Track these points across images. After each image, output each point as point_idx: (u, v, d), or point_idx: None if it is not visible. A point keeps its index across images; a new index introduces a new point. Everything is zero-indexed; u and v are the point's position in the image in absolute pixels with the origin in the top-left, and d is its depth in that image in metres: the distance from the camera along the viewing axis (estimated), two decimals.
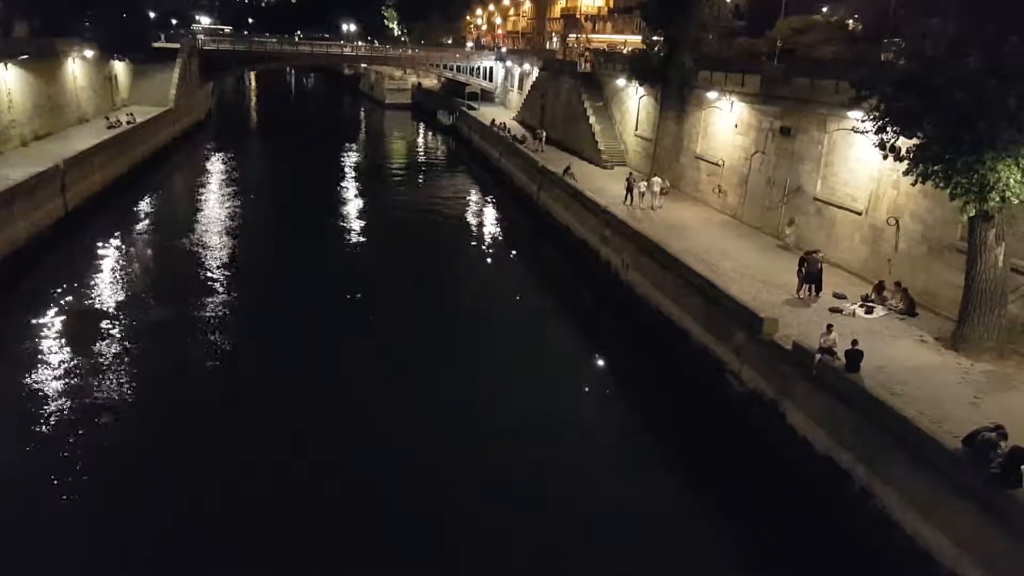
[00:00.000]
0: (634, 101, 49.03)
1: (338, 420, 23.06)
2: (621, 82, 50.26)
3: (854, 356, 19.03)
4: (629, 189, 39.11)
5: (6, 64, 44.40)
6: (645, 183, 39.95)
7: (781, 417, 21.21)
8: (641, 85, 46.03)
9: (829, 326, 20.63)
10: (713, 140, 39.33)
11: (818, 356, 19.89)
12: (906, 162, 20.96)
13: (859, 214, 28.44)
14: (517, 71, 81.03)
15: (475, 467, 20.96)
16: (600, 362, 29.57)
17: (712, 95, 38.35)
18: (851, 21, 46.06)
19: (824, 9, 52.02)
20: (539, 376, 27.04)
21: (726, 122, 37.79)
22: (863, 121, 24.25)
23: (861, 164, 28.28)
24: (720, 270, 27.45)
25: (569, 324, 33.05)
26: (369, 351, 28.15)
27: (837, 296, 25.53)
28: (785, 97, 33.08)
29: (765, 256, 30.65)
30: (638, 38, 51.95)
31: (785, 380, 21.31)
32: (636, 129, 48.91)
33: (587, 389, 27.14)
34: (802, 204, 31.82)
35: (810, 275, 25.60)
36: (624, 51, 59.24)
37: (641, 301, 31.12)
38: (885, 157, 22.03)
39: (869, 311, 24.35)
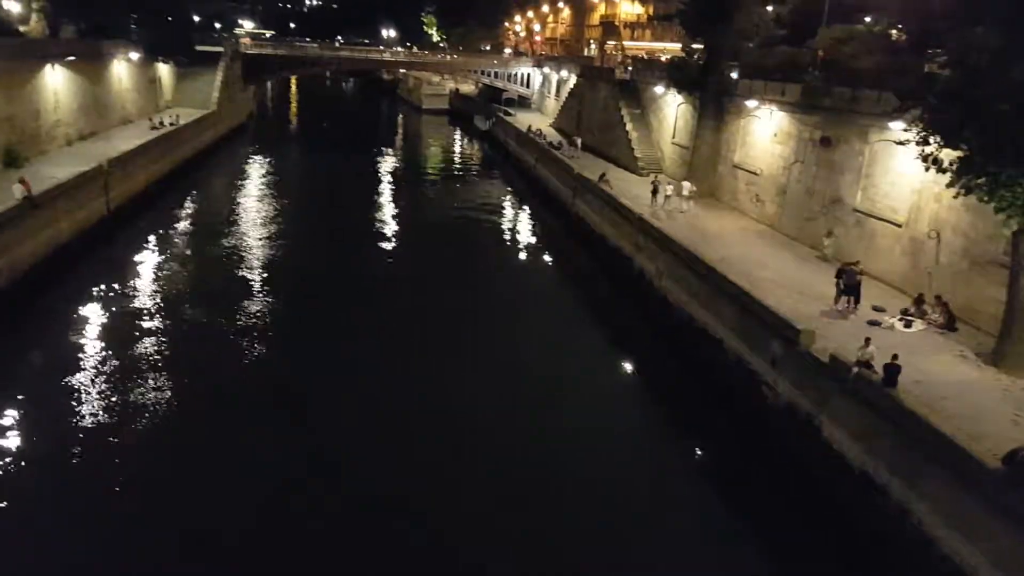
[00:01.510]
0: (672, 109, 48.85)
1: (371, 423, 23.24)
2: (659, 89, 50.11)
3: (892, 370, 18.76)
4: (654, 192, 39.64)
5: (53, 65, 45.40)
6: (671, 186, 40.35)
7: (816, 430, 20.96)
8: (679, 93, 45.87)
9: (867, 339, 20.34)
10: (751, 149, 39.06)
11: (855, 369, 19.64)
12: (949, 174, 20.66)
13: (899, 226, 28.05)
14: (554, 77, 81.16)
15: (502, 472, 21.02)
16: (632, 370, 29.47)
17: (751, 104, 38.10)
18: (894, 31, 45.39)
19: (867, 19, 51.38)
20: (570, 382, 27.03)
21: (765, 131, 37.53)
22: (905, 132, 24.04)
23: (902, 176, 27.92)
24: (756, 280, 27.19)
25: (601, 331, 32.98)
26: (402, 354, 28.29)
27: (876, 309, 25.19)
28: (826, 107, 32.78)
29: (803, 267, 30.34)
30: (677, 46, 51.80)
31: (821, 393, 21.07)
32: (673, 137, 48.72)
33: (618, 396, 27.03)
34: (841, 215, 31.47)
35: (848, 287, 25.28)
36: (663, 59, 59.08)
37: (675, 310, 30.97)
38: (927, 169, 21.76)
39: (908, 325, 24.00)
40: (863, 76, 33.37)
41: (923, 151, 21.35)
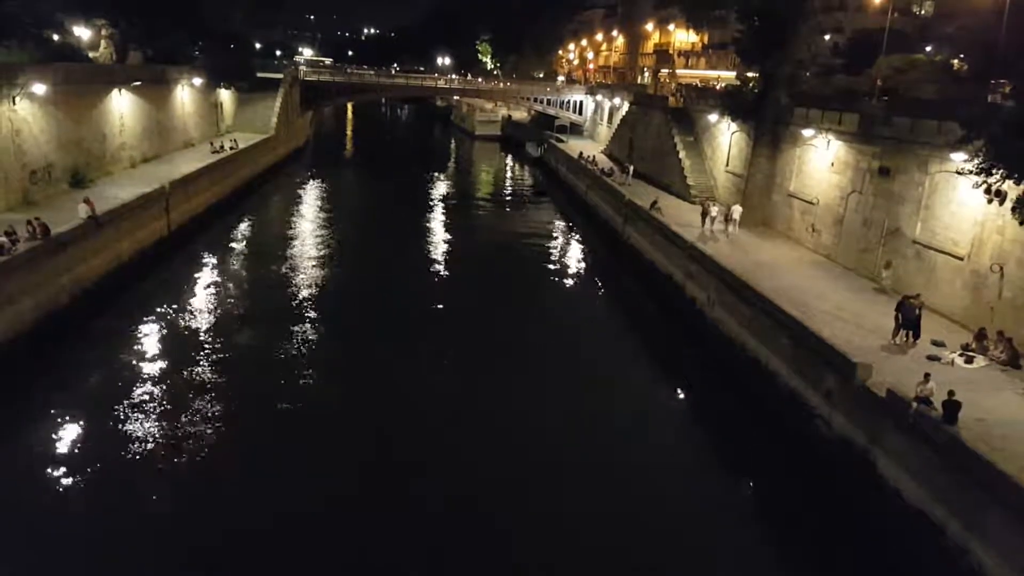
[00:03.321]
0: (726, 137, 48.56)
1: (421, 448, 23.31)
2: (713, 117, 49.88)
3: (952, 407, 18.24)
4: (704, 215, 40.53)
5: (120, 90, 46.91)
6: (716, 208, 40.90)
7: (871, 467, 20.45)
8: (734, 121, 45.60)
9: (926, 375, 19.82)
10: (807, 178, 38.57)
11: (914, 405, 19.13)
12: (1013, 206, 20.15)
13: (960, 259, 27.36)
14: (607, 105, 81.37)
15: (548, 502, 20.89)
16: (682, 400, 29.11)
17: (808, 132, 37.68)
18: (956, 61, 44.68)
19: (927, 48, 50.71)
20: (619, 412, 26.76)
21: (822, 160, 37.05)
22: (967, 163, 23.53)
23: (964, 207, 27.26)
24: (812, 311, 26.72)
25: (651, 359, 32.69)
26: (451, 381, 28.39)
27: (935, 343, 24.53)
28: (885, 137, 32.24)
29: (860, 299, 29.73)
30: (732, 74, 51.58)
31: (877, 429, 20.55)
32: (727, 165, 48.38)
33: (667, 427, 26.66)
34: (900, 246, 30.84)
35: (907, 320, 24.68)
36: (717, 87, 58.85)
37: (727, 339, 30.57)
38: (990, 201, 21.30)
39: (969, 360, 23.31)
40: (923, 106, 32.87)
41: (986, 182, 20.87)
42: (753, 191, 42.04)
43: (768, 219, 41.69)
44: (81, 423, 23.15)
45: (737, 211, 40.66)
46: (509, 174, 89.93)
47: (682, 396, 29.34)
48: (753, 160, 42.01)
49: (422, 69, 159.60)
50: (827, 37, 42.02)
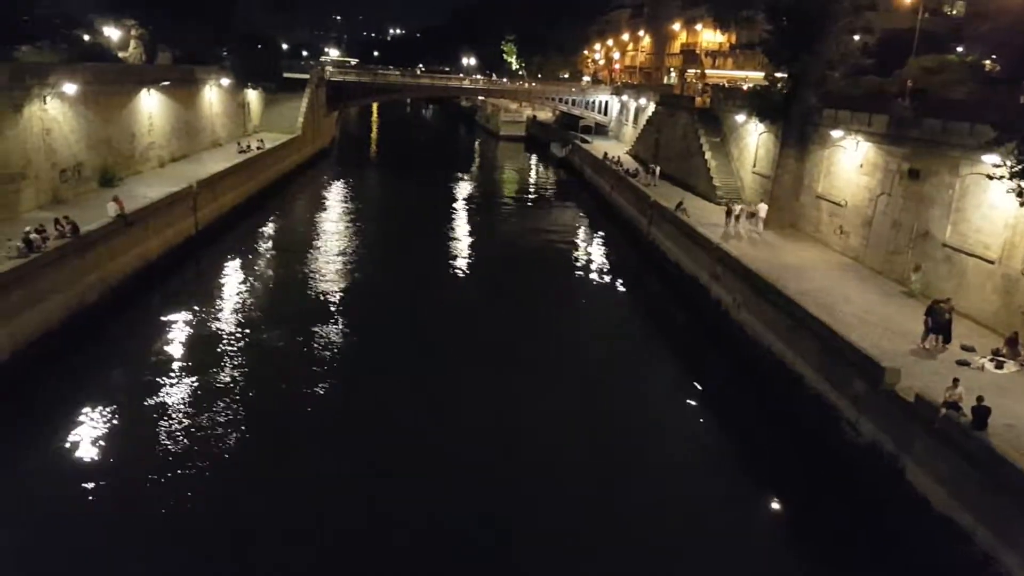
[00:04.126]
0: (753, 138, 48.20)
1: (444, 449, 23.31)
2: (740, 118, 49.53)
3: (981, 412, 17.95)
4: (728, 214, 40.98)
5: (149, 90, 47.38)
6: (741, 206, 41.40)
7: (899, 473, 20.18)
8: (761, 122, 45.26)
9: (955, 380, 19.55)
10: (836, 180, 38.17)
11: (943, 411, 18.86)
12: None
13: (992, 263, 26.93)
14: (632, 105, 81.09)
15: (570, 504, 20.84)
16: (706, 402, 28.81)
17: (836, 134, 37.30)
18: (988, 62, 44.00)
19: (959, 49, 49.97)
20: (643, 414, 26.67)
21: (850, 162, 36.65)
22: (998, 166, 23.16)
23: (995, 210, 26.82)
24: (839, 315, 26.43)
25: (675, 361, 32.51)
26: (474, 381, 28.38)
27: (965, 348, 24.16)
28: (915, 138, 31.84)
29: (888, 302, 29.37)
30: (760, 74, 51.14)
31: (905, 434, 20.28)
32: (754, 166, 48.02)
33: (692, 430, 26.44)
34: (930, 250, 30.42)
35: (937, 325, 24.32)
36: (744, 87, 58.43)
37: (752, 342, 30.32)
38: (1023, 204, 20.88)
39: (999, 366, 22.93)
40: (954, 107, 32.39)
41: (1019, 185, 20.51)
42: (781, 192, 41.68)
43: (796, 221, 41.33)
44: (108, 421, 23.34)
45: (762, 208, 40.89)
46: (533, 175, 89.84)
47: (706, 398, 29.07)
48: (781, 161, 41.64)
49: (447, 69, 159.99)
50: (857, 37, 41.44)
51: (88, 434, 22.52)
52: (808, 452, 24.11)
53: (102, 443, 22.16)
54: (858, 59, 40.80)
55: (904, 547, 19.11)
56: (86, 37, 51.48)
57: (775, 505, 22.15)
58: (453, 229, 55.16)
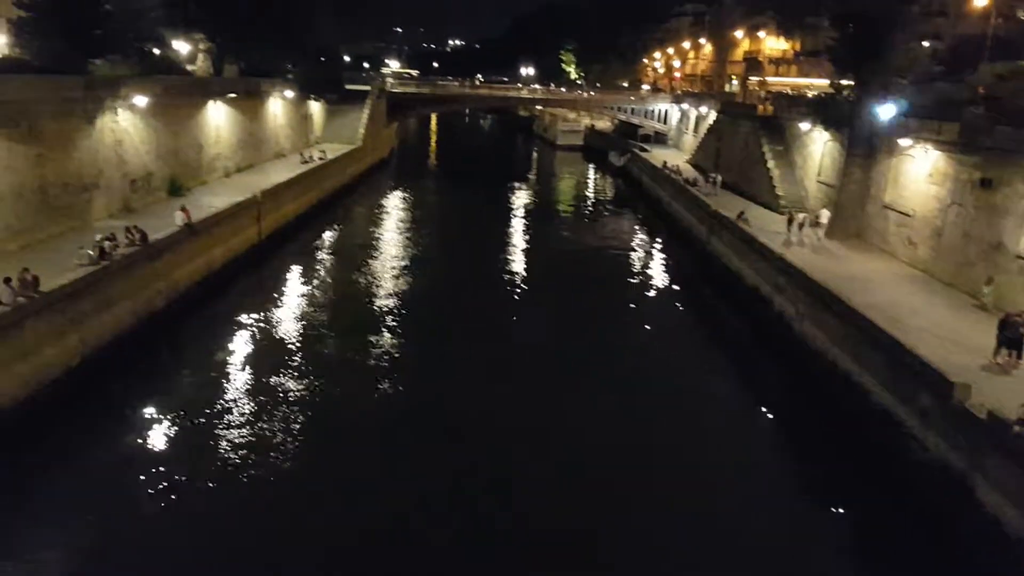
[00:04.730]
0: (818, 146, 47.29)
1: (501, 459, 23.31)
2: (804, 126, 48.67)
3: None
4: (790, 221, 40.50)
5: (216, 102, 48.53)
6: (804, 214, 40.93)
7: (969, 491, 19.49)
8: (827, 130, 44.40)
9: None
10: (904, 189, 37.18)
11: (1016, 427, 18.16)
12: None
13: None
14: (693, 114, 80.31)
15: (629, 516, 20.61)
16: (768, 417, 28.25)
17: (904, 142, 36.36)
18: None
19: None
20: (702, 428, 26.22)
21: (919, 171, 35.67)
22: None
23: None
24: (907, 328, 25.65)
25: (735, 374, 31.93)
26: (530, 391, 28.23)
27: None
28: (987, 147, 30.82)
29: (959, 316, 28.45)
30: (824, 82, 50.22)
31: (976, 451, 19.58)
32: (819, 175, 47.09)
33: (752, 445, 25.93)
34: (1003, 262, 29.39)
35: (1010, 339, 23.46)
36: (808, 95, 57.47)
37: (816, 355, 29.67)
38: None
39: None
40: None
41: None
42: (846, 202, 40.78)
43: (861, 231, 40.37)
44: (174, 422, 23.90)
45: (824, 215, 40.47)
46: (591, 184, 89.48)
47: (767, 411, 28.52)
48: (846, 170, 40.76)
49: (505, 79, 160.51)
50: (926, 44, 40.51)
51: (156, 435, 23.14)
52: (874, 469, 23.43)
53: (168, 444, 22.74)
54: (927, 66, 39.84)
55: (974, 568, 18.46)
56: (156, 51, 52.95)
57: (840, 522, 21.50)
58: (510, 238, 55.23)
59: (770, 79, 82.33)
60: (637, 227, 61.92)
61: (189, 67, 56.80)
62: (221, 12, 56.08)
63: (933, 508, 20.73)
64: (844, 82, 41.37)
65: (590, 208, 72.28)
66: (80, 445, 22.03)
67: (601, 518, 20.38)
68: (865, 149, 39.57)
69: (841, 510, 21.73)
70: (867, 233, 40.15)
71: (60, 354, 24.81)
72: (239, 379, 27.43)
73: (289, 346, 30.84)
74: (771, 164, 50.90)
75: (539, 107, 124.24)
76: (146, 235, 30.81)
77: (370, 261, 45.49)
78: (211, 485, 20.85)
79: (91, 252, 27.39)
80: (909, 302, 29.71)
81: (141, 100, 37.72)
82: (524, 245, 53.32)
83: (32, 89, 30.90)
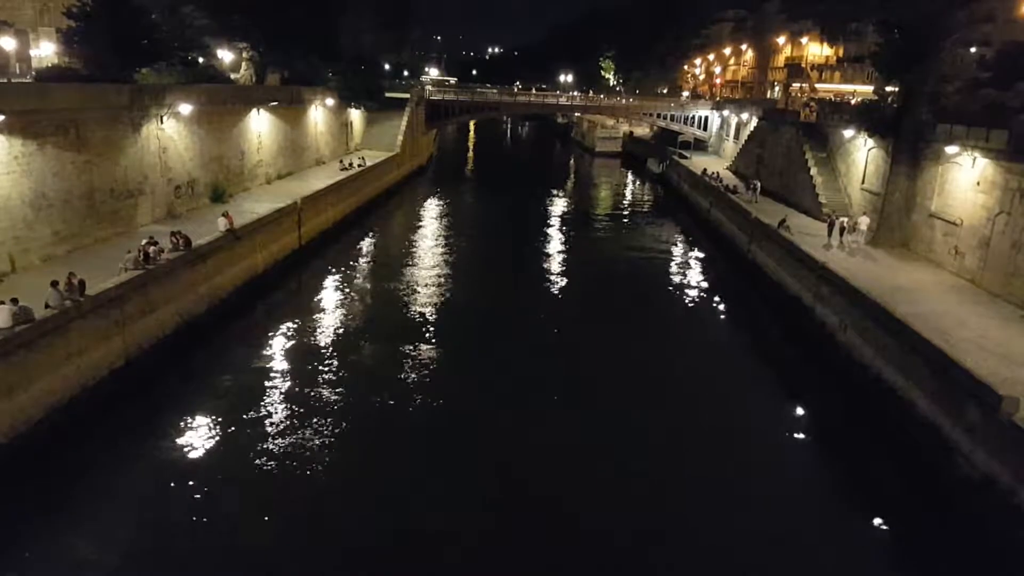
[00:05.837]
0: (862, 153, 46.57)
1: (539, 471, 23.16)
2: (848, 133, 47.96)
3: None
4: (831, 227, 40.57)
5: (258, 110, 49.17)
6: (846, 219, 40.88)
7: (1016, 508, 18.99)
8: (871, 137, 43.70)
9: None
10: (950, 198, 36.43)
11: None
12: None
13: None
14: (734, 120, 79.60)
15: (667, 527, 20.39)
16: (811, 428, 27.80)
17: (951, 150, 35.63)
18: None
19: None
20: (742, 440, 25.76)
21: (966, 179, 34.93)
22: None
23: None
24: (954, 339, 25.11)
25: (777, 384, 31.49)
26: (567, 400, 28.09)
27: None
28: None
29: (1007, 327, 27.77)
30: (869, 88, 49.49)
31: None
32: (863, 183, 46.35)
33: (794, 457, 25.51)
34: None
35: None
36: (852, 101, 56.66)
37: (859, 366, 29.16)
38: None
39: None
40: None
41: None
42: (891, 210, 40.08)
43: (907, 240, 39.63)
44: (210, 430, 24.09)
45: (864, 221, 40.22)
46: (629, 191, 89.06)
47: (808, 423, 28.07)
48: (891, 178, 40.05)
49: (544, 86, 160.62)
50: (973, 50, 39.69)
51: (195, 437, 23.38)
52: (919, 483, 22.96)
53: (206, 446, 22.96)
54: (974, 72, 39.04)
55: None
56: (201, 60, 53.87)
57: (884, 539, 21.06)
58: (547, 245, 55.11)
59: (813, 85, 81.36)
60: (676, 235, 61.44)
61: (232, 75, 57.72)
62: (265, 21, 56.90)
63: (980, 524, 20.22)
64: (889, 88, 40.70)
65: (628, 215, 71.91)
66: (123, 446, 22.40)
67: (648, 534, 20.17)
68: (910, 157, 38.87)
69: (885, 525, 21.28)
70: (913, 242, 39.41)
71: (105, 356, 25.27)
72: (277, 385, 27.65)
73: (326, 353, 31.03)
74: (814, 171, 50.24)
75: (577, 114, 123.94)
76: (190, 240, 31.26)
77: (407, 268, 45.68)
78: (246, 489, 21.03)
79: (136, 256, 27.85)
80: (956, 312, 29.08)
81: (186, 108, 38.35)
82: (562, 253, 53.13)
83: (80, 97, 31.62)
